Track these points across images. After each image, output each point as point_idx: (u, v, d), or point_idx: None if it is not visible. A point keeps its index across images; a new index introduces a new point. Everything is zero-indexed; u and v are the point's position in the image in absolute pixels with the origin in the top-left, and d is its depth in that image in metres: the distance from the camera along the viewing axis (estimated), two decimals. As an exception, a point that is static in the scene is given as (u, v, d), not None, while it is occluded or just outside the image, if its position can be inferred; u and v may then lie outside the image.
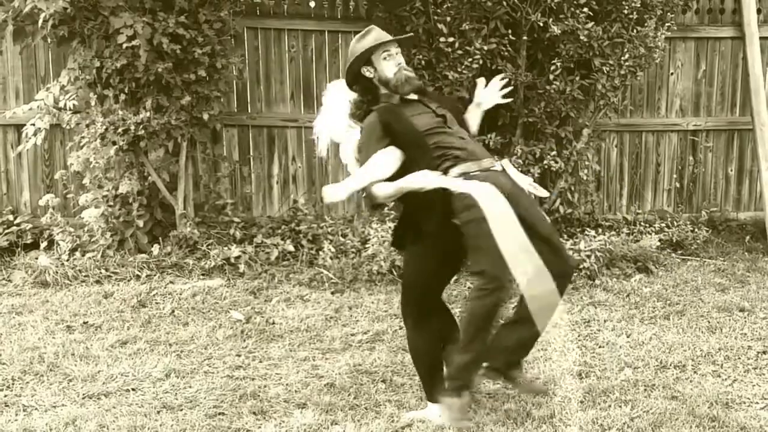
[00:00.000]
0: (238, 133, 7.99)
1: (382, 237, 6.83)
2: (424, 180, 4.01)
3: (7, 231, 7.44)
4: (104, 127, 6.92)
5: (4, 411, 4.45)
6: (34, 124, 7.09)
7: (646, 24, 7.38)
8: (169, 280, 6.75)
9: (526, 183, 4.35)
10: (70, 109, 7.15)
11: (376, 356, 5.32)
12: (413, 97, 4.40)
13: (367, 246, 7.03)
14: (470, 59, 7.07)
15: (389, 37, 4.33)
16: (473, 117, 4.63)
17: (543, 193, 4.45)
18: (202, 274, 6.90)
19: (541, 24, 7.17)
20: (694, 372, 5.07)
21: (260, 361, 5.24)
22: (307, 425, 4.27)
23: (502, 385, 4.75)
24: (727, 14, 8.40)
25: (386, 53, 4.28)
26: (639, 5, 7.25)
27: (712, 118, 8.56)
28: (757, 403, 4.61)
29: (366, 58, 4.28)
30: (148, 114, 6.91)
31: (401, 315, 4.53)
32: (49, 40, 7.04)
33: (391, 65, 4.28)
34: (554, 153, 7.54)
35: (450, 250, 4.26)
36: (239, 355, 5.29)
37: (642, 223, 8.10)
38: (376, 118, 4.21)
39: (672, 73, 8.47)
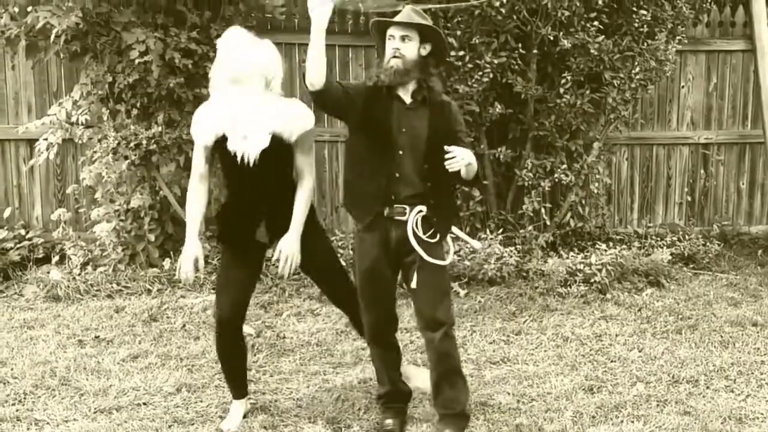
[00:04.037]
0: (249, 147, 8.00)
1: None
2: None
3: (18, 245, 7.47)
4: (116, 141, 6.97)
5: (16, 425, 4.46)
6: (46, 139, 7.14)
7: (656, 37, 7.39)
8: (180, 295, 6.78)
9: None
10: (82, 124, 7.21)
11: (387, 371, 5.32)
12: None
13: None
14: (480, 73, 7.09)
15: (403, 19, 4.15)
16: None
17: None
18: (213, 288, 6.90)
19: (552, 38, 7.19)
20: (707, 387, 5.06)
21: (271, 375, 5.26)
22: (318, 440, 4.30)
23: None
24: (738, 27, 8.42)
25: (390, 34, 4.19)
26: (649, 19, 7.27)
27: (724, 131, 8.57)
28: (770, 418, 4.61)
29: (383, 28, 4.22)
30: (159, 128, 6.95)
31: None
32: (61, 55, 7.13)
33: (388, 47, 4.19)
34: (565, 166, 7.54)
35: None
36: (250, 369, 5.26)
37: (653, 237, 8.11)
38: None
39: (683, 86, 8.49)
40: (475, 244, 4.64)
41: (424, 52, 4.16)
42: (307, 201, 4.39)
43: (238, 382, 4.57)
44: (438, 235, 4.25)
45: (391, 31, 4.16)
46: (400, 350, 4.61)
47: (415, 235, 4.16)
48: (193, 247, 4.41)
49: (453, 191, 4.40)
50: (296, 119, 4.28)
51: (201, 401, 4.81)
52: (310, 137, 4.40)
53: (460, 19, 7.06)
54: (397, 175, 4.17)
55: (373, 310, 4.34)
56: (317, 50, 3.91)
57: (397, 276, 4.39)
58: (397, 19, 4.16)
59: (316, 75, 3.92)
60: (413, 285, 4.24)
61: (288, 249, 4.27)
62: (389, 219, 4.21)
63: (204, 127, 4.31)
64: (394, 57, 4.12)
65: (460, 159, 3.94)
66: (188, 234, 4.45)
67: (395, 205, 4.19)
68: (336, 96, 4.08)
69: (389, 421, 4.40)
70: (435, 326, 4.22)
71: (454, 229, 4.49)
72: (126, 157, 7.00)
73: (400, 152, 4.16)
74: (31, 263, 7.40)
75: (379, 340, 4.41)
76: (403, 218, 4.18)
